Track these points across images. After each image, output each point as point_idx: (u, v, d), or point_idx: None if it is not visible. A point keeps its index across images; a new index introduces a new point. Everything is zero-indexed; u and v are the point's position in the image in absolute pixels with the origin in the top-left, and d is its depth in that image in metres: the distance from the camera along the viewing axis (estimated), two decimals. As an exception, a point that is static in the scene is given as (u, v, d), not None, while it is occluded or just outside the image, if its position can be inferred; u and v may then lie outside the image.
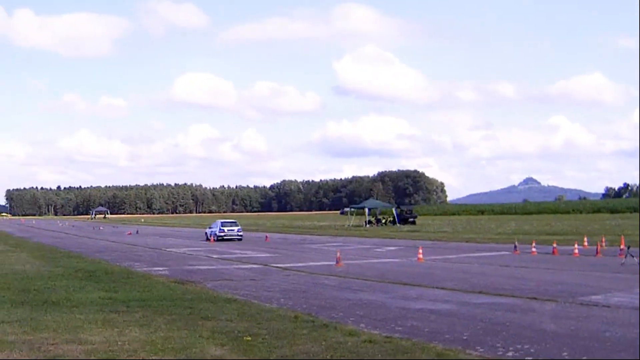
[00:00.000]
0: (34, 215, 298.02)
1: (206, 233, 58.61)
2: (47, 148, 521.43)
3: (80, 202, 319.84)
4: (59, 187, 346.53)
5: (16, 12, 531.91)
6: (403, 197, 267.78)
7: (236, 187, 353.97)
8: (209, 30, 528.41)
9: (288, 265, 28.74)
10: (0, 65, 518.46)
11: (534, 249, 34.84)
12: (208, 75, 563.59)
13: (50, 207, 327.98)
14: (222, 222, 58.48)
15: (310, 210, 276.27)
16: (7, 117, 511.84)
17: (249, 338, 11.49)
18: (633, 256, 26.20)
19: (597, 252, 32.86)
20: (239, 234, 55.76)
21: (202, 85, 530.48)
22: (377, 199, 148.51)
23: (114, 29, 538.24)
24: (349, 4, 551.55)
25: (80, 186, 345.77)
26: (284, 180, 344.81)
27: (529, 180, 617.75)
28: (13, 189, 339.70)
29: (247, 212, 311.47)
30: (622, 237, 38.12)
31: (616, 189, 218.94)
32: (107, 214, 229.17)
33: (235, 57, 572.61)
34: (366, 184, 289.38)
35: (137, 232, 72.90)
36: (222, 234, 54.87)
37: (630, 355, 10.77)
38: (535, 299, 17.24)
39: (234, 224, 58.39)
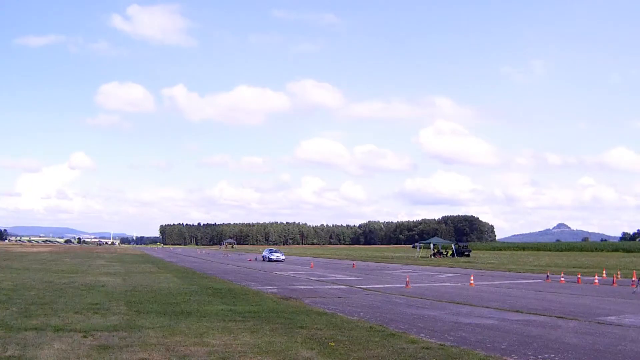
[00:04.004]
0: (180, 244, 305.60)
1: (262, 256, 71.41)
2: (197, 194, 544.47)
3: (215, 235, 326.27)
4: (199, 224, 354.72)
5: (190, 94, 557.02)
6: (461, 235, 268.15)
7: (333, 225, 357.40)
8: (336, 106, 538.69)
9: (368, 286, 28.52)
10: (170, 134, 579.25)
11: (562, 278, 34.72)
12: (327, 140, 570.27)
13: (192, 238, 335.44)
14: (269, 250, 72.99)
15: (389, 244, 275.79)
16: (170, 170, 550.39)
17: (333, 344, 11.47)
18: None
19: (613, 282, 32.48)
20: (281, 257, 67.78)
21: (321, 149, 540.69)
22: (440, 237, 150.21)
23: (269, 103, 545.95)
24: (435, 97, 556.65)
25: (215, 223, 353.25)
26: (369, 221, 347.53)
27: (561, 225, 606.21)
28: (165, 224, 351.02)
29: (341, 244, 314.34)
30: (634, 271, 38.53)
31: (631, 233, 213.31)
32: (234, 244, 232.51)
33: (353, 128, 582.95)
34: (433, 225, 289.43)
35: (256, 259, 73.59)
36: (269, 256, 68.20)
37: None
38: (561, 317, 16.84)
39: (278, 251, 72.28)
